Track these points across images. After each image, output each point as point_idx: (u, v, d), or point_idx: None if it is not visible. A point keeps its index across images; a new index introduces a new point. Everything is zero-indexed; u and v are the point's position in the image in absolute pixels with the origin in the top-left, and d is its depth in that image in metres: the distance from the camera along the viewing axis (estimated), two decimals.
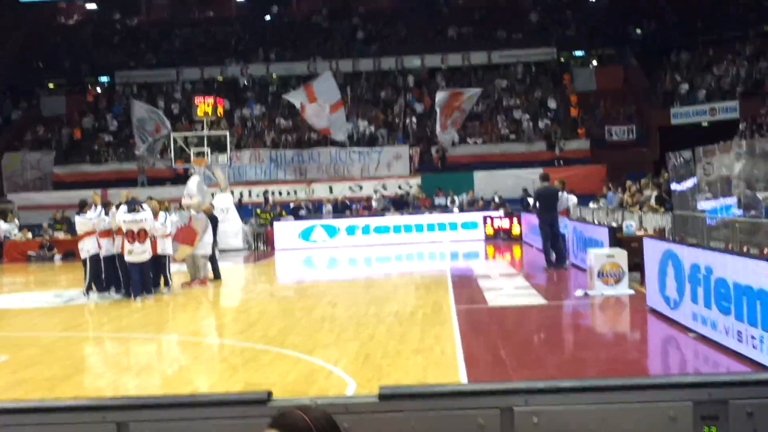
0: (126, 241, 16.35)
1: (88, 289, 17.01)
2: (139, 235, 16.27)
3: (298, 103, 33.87)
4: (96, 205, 17.40)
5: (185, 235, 18.49)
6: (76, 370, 10.31)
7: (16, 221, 31.71)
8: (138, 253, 16.32)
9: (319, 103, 33.30)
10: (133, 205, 16.66)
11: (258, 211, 31.24)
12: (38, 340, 12.66)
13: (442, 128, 33.66)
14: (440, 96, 33.71)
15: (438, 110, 33.53)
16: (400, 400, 3.26)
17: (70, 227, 31.07)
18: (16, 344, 12.22)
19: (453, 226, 29.55)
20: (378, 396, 3.23)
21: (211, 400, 3.49)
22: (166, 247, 17.46)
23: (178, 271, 19.84)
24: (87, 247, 16.95)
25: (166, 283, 17.76)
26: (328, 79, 34.47)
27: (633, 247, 14.50)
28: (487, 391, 3.30)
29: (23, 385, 9.22)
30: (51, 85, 46.75)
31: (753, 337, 8.40)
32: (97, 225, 16.84)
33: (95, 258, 16.83)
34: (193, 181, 20.71)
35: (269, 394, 3.27)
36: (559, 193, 19.20)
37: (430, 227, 29.54)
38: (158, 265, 17.40)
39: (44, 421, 3.31)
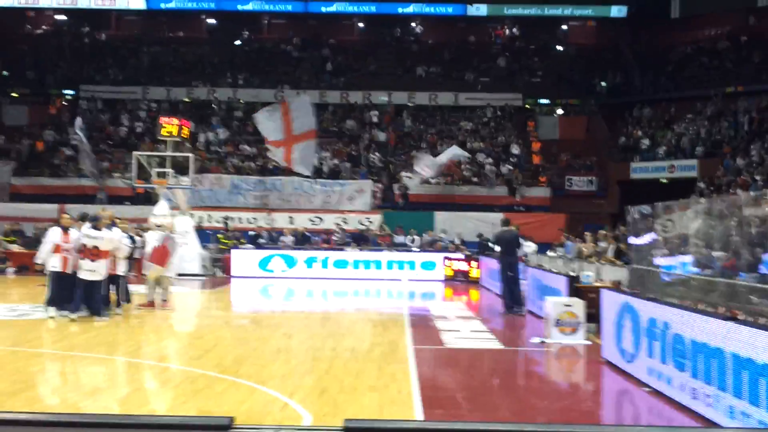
0: (80, 258, 16.04)
1: (48, 303, 16.60)
2: (92, 252, 15.96)
3: (266, 130, 33.72)
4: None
5: (159, 256, 18.31)
6: (26, 386, 10.14)
7: None
8: (87, 270, 15.96)
9: (292, 130, 33.27)
10: (95, 223, 16.44)
11: (219, 236, 31.08)
12: None
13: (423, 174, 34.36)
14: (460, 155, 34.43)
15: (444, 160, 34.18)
16: None
17: (24, 240, 30.65)
18: None
19: (412, 265, 29.60)
20: (343, 429, 3.23)
21: (171, 422, 3.44)
22: (123, 267, 17.24)
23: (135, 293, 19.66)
24: (53, 263, 16.56)
25: (118, 304, 17.40)
26: (305, 104, 34.27)
27: (590, 297, 14.63)
28: (451, 430, 3.32)
29: None
30: (14, 94, 46.23)
31: (707, 395, 8.50)
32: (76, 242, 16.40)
33: (57, 273, 16.44)
34: (164, 203, 20.59)
35: (231, 420, 3.25)
36: (520, 239, 19.37)
37: (390, 264, 29.56)
38: (114, 284, 17.18)
39: None
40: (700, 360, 8.72)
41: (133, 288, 18.84)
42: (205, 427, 3.33)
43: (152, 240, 18.71)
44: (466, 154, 36.21)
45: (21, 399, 9.29)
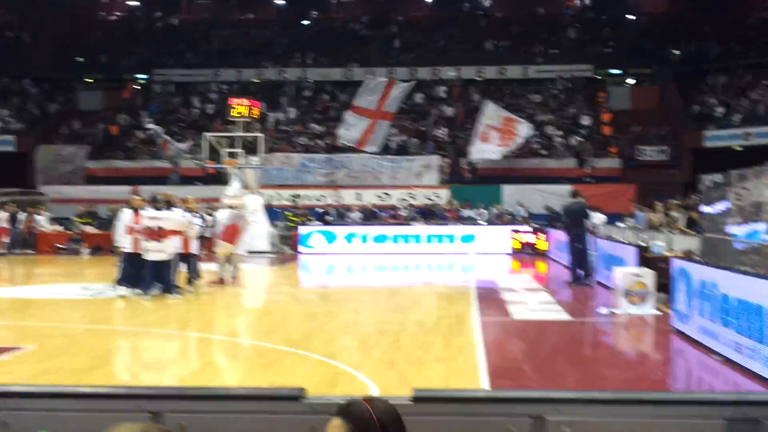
0: (143, 239, 16.24)
1: (118, 282, 16.96)
2: (158, 233, 16.17)
3: (361, 97, 34.17)
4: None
5: (230, 234, 18.58)
6: (102, 362, 10.44)
7: (48, 214, 31.92)
8: (153, 251, 16.16)
9: (384, 106, 33.75)
10: (155, 204, 16.73)
11: (288, 213, 31.37)
12: (65, 330, 12.81)
13: (482, 140, 33.91)
14: (491, 111, 34.00)
15: (482, 123, 33.78)
16: (433, 403, 3.30)
17: (99, 221, 31.36)
18: (44, 334, 12.37)
19: (469, 239, 29.53)
20: (412, 398, 3.26)
21: (244, 393, 3.54)
22: (195, 246, 17.49)
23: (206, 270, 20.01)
24: (124, 243, 16.89)
25: (189, 282, 17.61)
26: (404, 90, 34.74)
27: (661, 267, 14.44)
28: (520, 398, 3.34)
29: (50, 374, 9.34)
30: (89, 80, 47.19)
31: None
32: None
33: (130, 255, 16.65)
34: (236, 182, 20.90)
35: (302, 390, 3.31)
36: (587, 210, 19.16)
37: (454, 239, 29.55)
38: (186, 263, 17.46)
39: (79, 407, 3.36)
40: (743, 317, 8.78)
41: (204, 266, 19.16)
42: (277, 397, 3.41)
43: (223, 219, 18.98)
44: (532, 131, 35.80)
45: (98, 374, 9.57)
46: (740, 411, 3.12)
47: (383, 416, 2.85)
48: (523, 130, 34.91)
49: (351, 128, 34.59)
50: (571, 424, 3.17)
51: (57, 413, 3.37)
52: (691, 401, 3.25)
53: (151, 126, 36.36)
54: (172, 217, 16.43)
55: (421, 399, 3.28)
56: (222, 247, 18.79)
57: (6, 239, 29.49)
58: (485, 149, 34.57)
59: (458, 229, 30.06)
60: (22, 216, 30.37)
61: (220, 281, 18.84)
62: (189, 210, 17.95)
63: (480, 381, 9.19)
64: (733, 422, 3.10)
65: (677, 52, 43.70)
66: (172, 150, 35.94)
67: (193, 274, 17.96)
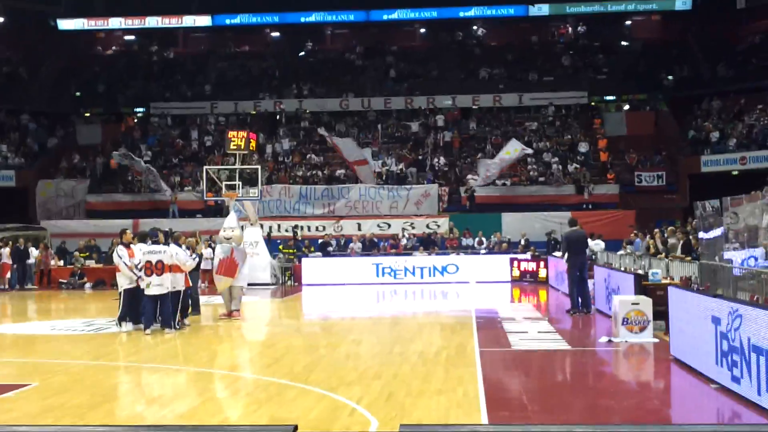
0: (144, 274, 16.34)
1: (120, 319, 17.07)
2: (157, 267, 16.25)
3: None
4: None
5: (227, 268, 18.69)
6: (105, 399, 10.50)
7: (52, 251, 31.96)
8: (155, 285, 16.26)
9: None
10: (153, 238, 16.86)
11: (281, 247, 31.45)
12: (68, 367, 12.87)
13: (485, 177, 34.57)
14: (513, 145, 34.58)
15: (504, 159, 34.34)
16: None
17: (99, 255, 31.46)
18: (47, 371, 12.43)
19: (476, 268, 29.62)
20: None
21: (238, 431, 3.64)
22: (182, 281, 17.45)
23: (207, 303, 20.10)
24: (121, 281, 16.96)
25: (184, 316, 17.58)
26: (349, 143, 35.65)
27: (658, 295, 14.54)
28: None
29: (53, 411, 9.42)
30: (87, 114, 47.44)
31: None
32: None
33: (130, 291, 16.80)
34: (233, 215, 21.01)
35: (295, 428, 3.42)
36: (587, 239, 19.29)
37: (456, 268, 29.63)
38: (183, 297, 17.51)
39: None
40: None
41: (205, 299, 19.21)
42: None
43: (219, 253, 19.06)
44: (527, 149, 36.02)
45: (101, 411, 9.65)
46: None
47: None
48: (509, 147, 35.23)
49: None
50: None
51: None
52: None
53: (117, 155, 36.82)
54: (171, 252, 16.52)
55: None
56: (221, 282, 18.88)
57: (8, 275, 29.55)
58: (478, 180, 35.07)
59: (459, 259, 30.13)
60: (35, 251, 30.43)
61: (229, 314, 18.93)
62: (187, 245, 18.10)
63: (480, 412, 9.28)
64: None
65: (671, 78, 44.03)
66: (139, 169, 36.38)
67: (193, 308, 18.04)
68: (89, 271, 30.28)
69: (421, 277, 29.51)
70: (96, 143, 44.05)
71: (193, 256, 17.69)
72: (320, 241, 32.39)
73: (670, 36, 47.04)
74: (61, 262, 31.36)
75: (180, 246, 17.07)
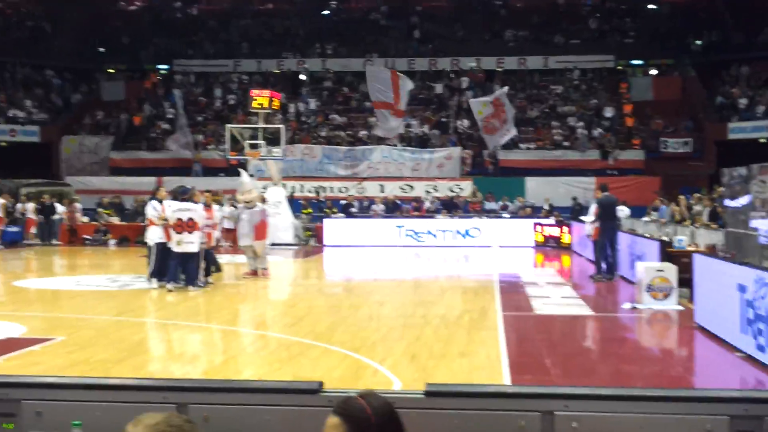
0: (174, 231, 16.36)
1: (152, 275, 17.09)
2: (188, 225, 16.27)
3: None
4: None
5: (259, 230, 18.75)
6: (130, 354, 10.58)
7: (79, 205, 32.09)
8: (186, 243, 16.28)
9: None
10: (182, 195, 16.87)
11: (303, 210, 31.43)
12: (93, 322, 12.99)
13: (488, 132, 33.47)
14: (476, 105, 33.49)
15: (478, 120, 33.47)
16: (445, 397, 3.41)
17: (123, 212, 31.64)
18: (72, 325, 12.55)
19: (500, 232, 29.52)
20: (424, 393, 3.37)
21: (265, 387, 3.66)
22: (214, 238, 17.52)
23: (230, 263, 20.20)
24: (152, 236, 16.99)
25: (207, 273, 17.62)
26: (408, 85, 34.05)
27: (683, 262, 14.45)
28: (530, 394, 3.44)
29: (79, 365, 9.51)
30: (110, 70, 47.46)
31: None
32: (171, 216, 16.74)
33: (161, 246, 16.75)
34: (245, 176, 21.01)
35: (321, 384, 3.43)
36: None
37: (479, 231, 29.57)
38: (208, 256, 17.60)
39: (107, 399, 3.52)
40: None
41: (232, 258, 19.26)
42: (296, 390, 3.53)
43: (251, 217, 18.96)
44: (493, 96, 34.56)
45: (126, 366, 9.72)
46: (744, 408, 3.22)
47: (379, 412, 2.92)
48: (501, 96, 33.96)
49: (385, 123, 34.32)
50: (579, 419, 3.28)
51: (87, 404, 3.52)
52: (696, 398, 3.35)
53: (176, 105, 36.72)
54: (200, 210, 16.55)
55: (433, 393, 3.39)
56: (258, 246, 18.82)
57: (34, 230, 29.79)
58: (496, 138, 34.15)
59: (482, 222, 30.06)
60: (60, 207, 30.60)
61: (253, 273, 19.03)
62: (217, 202, 18.13)
63: (503, 375, 9.28)
64: (736, 419, 3.20)
65: (699, 42, 43.44)
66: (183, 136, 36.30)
67: (214, 266, 18.12)
68: (113, 227, 30.44)
69: (444, 240, 29.48)
70: (120, 100, 44.09)
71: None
72: (343, 202, 32.38)
73: (699, 0, 46.33)
74: (86, 218, 31.54)
75: (195, 203, 17.00)
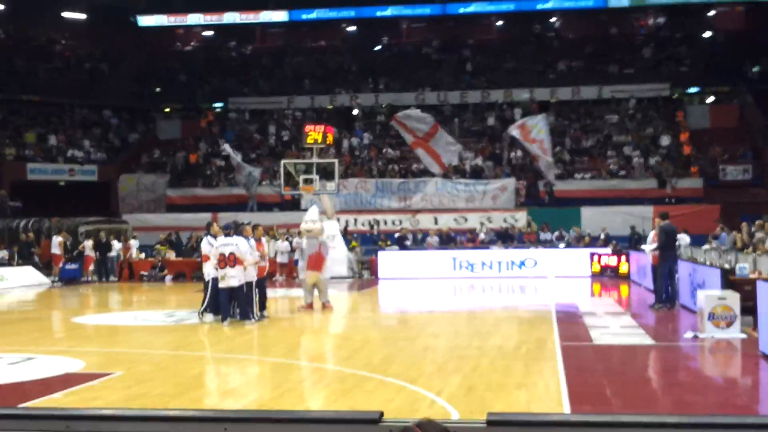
0: (218, 266, 16.45)
1: (204, 310, 17.26)
2: (229, 260, 16.30)
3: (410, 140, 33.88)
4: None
5: (315, 262, 18.83)
6: (187, 388, 10.60)
7: (136, 242, 32.59)
8: (229, 277, 16.33)
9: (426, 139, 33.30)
10: (226, 231, 17.04)
11: (353, 243, 31.47)
12: (150, 357, 13.06)
13: (533, 160, 33.38)
14: (514, 132, 33.30)
15: (526, 143, 33.28)
16: (507, 426, 3.31)
17: (177, 248, 31.99)
18: (131, 360, 12.63)
19: (556, 263, 29.18)
20: (486, 422, 3.28)
21: (325, 417, 3.60)
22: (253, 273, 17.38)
23: (285, 296, 20.20)
24: (208, 270, 17.12)
25: (261, 308, 17.68)
26: (412, 113, 34.11)
27: (746, 290, 14.11)
28: (594, 422, 3.33)
29: (138, 399, 9.53)
30: (167, 110, 48.27)
31: None
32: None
33: (215, 281, 16.87)
34: (314, 209, 21.16)
35: (381, 414, 3.36)
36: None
37: (535, 262, 29.29)
38: (260, 288, 17.60)
39: (166, 430, 3.48)
40: None
41: (289, 292, 19.26)
42: (356, 420, 3.46)
43: (308, 247, 19.14)
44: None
45: (184, 400, 9.72)
46: None
47: None
48: (536, 122, 33.58)
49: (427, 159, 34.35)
50: None
51: None
52: (764, 425, 3.22)
53: (226, 148, 37.02)
54: (245, 244, 16.59)
55: (495, 422, 3.30)
56: (310, 276, 18.96)
57: (92, 267, 30.25)
58: (544, 167, 33.77)
59: (537, 253, 29.78)
60: (117, 245, 31.04)
61: (309, 306, 19.09)
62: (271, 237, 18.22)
63: (563, 406, 9.11)
64: None
65: (756, 69, 42.85)
66: (243, 174, 36.44)
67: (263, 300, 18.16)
68: (169, 263, 30.76)
69: (499, 271, 29.26)
70: (176, 138, 44.82)
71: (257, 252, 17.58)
72: (397, 234, 32.36)
73: (754, 26, 45.74)
74: (143, 255, 31.93)
75: (247, 239, 17.05)
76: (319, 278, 19.04)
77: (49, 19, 46.49)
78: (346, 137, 41.84)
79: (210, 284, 16.98)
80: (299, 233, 25.48)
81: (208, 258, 17.00)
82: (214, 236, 17.21)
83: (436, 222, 34.00)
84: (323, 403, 9.65)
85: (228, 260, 16.31)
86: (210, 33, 52.75)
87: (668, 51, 45.61)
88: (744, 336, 13.52)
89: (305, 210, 32.10)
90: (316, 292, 19.29)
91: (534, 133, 32.53)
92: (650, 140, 38.97)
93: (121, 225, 36.13)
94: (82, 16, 47.83)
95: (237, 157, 36.72)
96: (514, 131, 32.82)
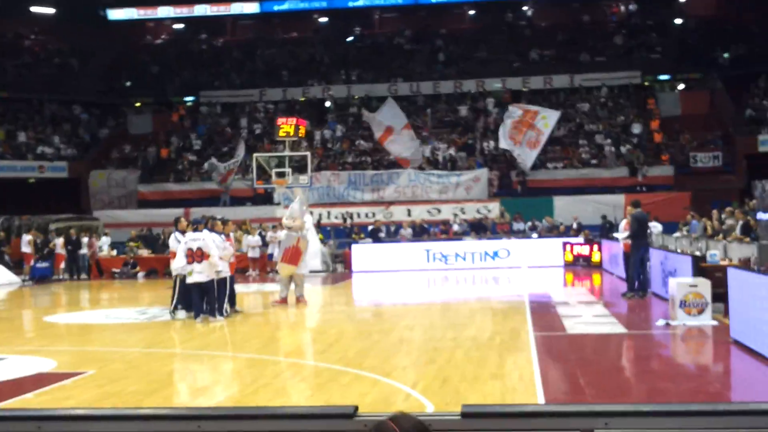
0: (186, 261, 16.33)
1: (176, 307, 17.15)
2: (197, 255, 16.16)
3: (379, 132, 34.24)
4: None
5: (292, 256, 18.78)
6: (160, 386, 10.55)
7: (107, 239, 32.36)
8: (197, 273, 16.20)
9: (395, 130, 33.81)
10: (194, 225, 16.97)
11: (320, 236, 31.41)
12: (123, 355, 12.98)
13: (514, 142, 33.44)
14: (513, 110, 33.60)
15: (508, 123, 33.43)
16: (482, 418, 3.31)
17: (150, 245, 31.74)
18: (103, 358, 12.54)
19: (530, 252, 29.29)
20: (461, 414, 3.28)
21: (299, 413, 3.59)
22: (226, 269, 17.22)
23: (258, 291, 20.13)
24: (176, 267, 17.00)
25: (232, 304, 17.56)
26: (393, 106, 34.80)
27: (717, 277, 14.22)
28: (569, 412, 3.33)
29: (111, 398, 9.47)
30: (137, 104, 47.89)
31: None
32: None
33: (183, 277, 16.77)
34: (297, 204, 21.08)
35: (355, 408, 3.35)
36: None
37: (508, 252, 29.37)
38: (231, 285, 17.45)
39: (140, 429, 3.46)
40: None
41: (256, 286, 19.25)
42: (331, 415, 3.45)
43: (285, 239, 19.14)
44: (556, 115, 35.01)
45: (158, 398, 9.69)
46: None
47: None
48: (547, 115, 34.11)
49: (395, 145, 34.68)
50: None
51: None
52: (737, 411, 3.23)
53: (211, 162, 36.78)
54: (212, 239, 16.46)
55: (470, 414, 3.30)
56: (284, 269, 18.93)
57: (63, 265, 29.97)
58: (522, 156, 34.03)
59: (510, 243, 29.84)
60: (85, 240, 30.70)
61: (283, 301, 19.03)
62: (244, 231, 18.14)
63: (537, 396, 9.15)
64: None
65: (727, 56, 43.12)
66: (229, 181, 36.35)
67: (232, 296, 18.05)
68: (142, 260, 30.56)
69: (472, 262, 29.30)
70: (147, 133, 44.46)
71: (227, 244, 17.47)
72: (370, 227, 32.32)
73: (724, 13, 46.03)
74: (114, 252, 31.69)
75: (218, 234, 16.92)
76: (295, 272, 19.00)
77: (17, 14, 45.94)
78: (319, 129, 41.71)
79: (177, 281, 16.88)
80: (274, 227, 25.47)
81: (175, 254, 16.91)
82: (182, 232, 17.09)
83: (409, 214, 33.97)
84: (298, 398, 9.63)
85: (195, 255, 16.20)
86: (180, 26, 52.37)
87: (639, 38, 45.76)
88: (715, 323, 13.63)
89: (278, 204, 32.19)
90: (292, 286, 19.25)
91: (539, 123, 32.80)
92: (621, 129, 39.15)
93: (93, 222, 35.84)
94: (51, 10, 47.29)
95: (221, 169, 36.52)
96: (515, 110, 33.14)
